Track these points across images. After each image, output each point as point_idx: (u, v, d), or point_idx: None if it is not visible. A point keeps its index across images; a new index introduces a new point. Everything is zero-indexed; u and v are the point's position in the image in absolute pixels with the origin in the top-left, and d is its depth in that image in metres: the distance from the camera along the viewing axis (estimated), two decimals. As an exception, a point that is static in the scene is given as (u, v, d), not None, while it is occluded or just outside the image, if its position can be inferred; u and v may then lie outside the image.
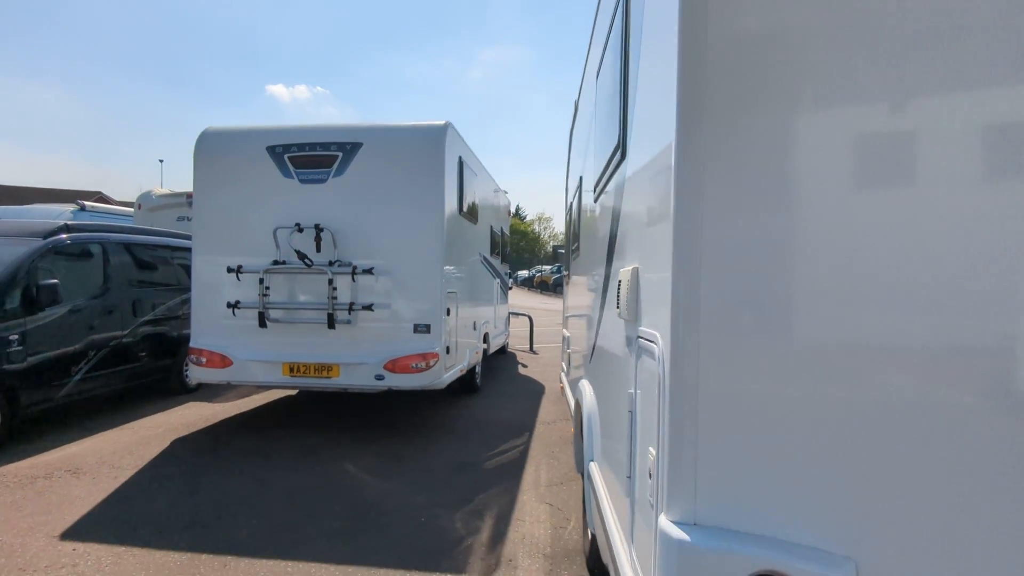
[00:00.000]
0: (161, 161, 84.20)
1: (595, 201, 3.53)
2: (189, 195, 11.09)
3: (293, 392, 8.28)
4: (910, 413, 1.34)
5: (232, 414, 7.15)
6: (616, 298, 2.36)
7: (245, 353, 6.11)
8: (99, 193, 37.95)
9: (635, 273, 2.07)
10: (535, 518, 4.27)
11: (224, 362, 6.13)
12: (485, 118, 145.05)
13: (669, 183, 1.55)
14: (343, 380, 6.01)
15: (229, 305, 6.05)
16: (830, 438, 1.40)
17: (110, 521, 4.13)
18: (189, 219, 10.73)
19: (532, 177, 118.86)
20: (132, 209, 12.67)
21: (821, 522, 1.39)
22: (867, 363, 1.38)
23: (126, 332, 7.11)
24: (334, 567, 3.53)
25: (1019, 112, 1.24)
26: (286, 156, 6.17)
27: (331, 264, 5.98)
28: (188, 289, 8.12)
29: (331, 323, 5.94)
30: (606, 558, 2.55)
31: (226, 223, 6.25)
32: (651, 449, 1.68)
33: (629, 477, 2.02)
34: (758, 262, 1.45)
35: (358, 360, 5.97)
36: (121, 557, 3.62)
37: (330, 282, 5.94)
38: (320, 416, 7.03)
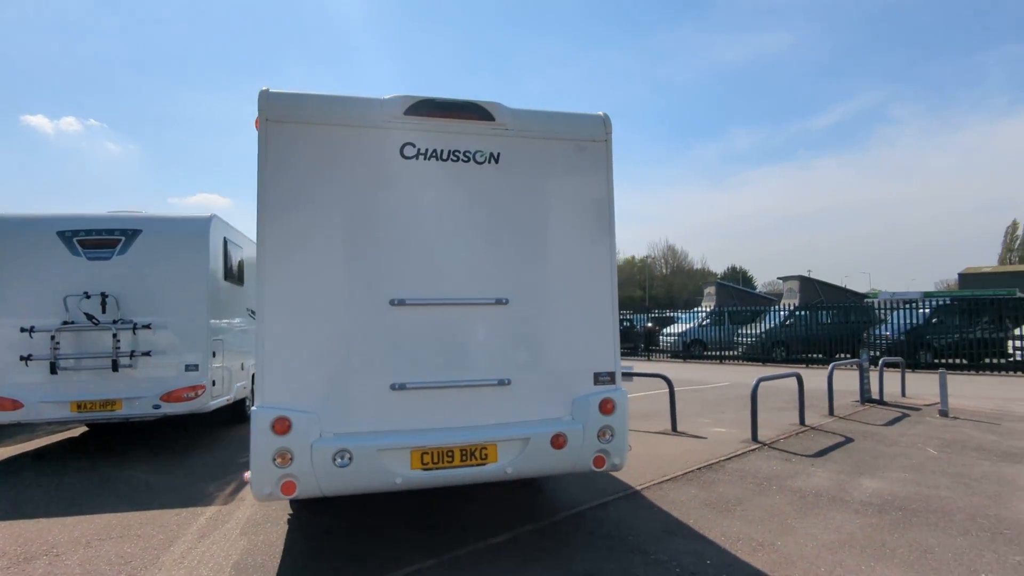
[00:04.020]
0: None
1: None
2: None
3: (77, 434, 9.61)
4: (333, 363, 4.16)
5: (24, 451, 8.45)
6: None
7: (36, 396, 7.65)
8: None
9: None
10: (268, 481, 6.63)
11: (15, 405, 7.61)
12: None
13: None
14: (125, 411, 7.83)
15: (22, 358, 7.58)
16: (308, 371, 4.16)
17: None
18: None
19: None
20: None
21: (305, 400, 4.11)
22: (320, 340, 4.19)
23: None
24: (136, 512, 5.62)
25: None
26: (75, 239, 7.96)
27: (115, 322, 7.83)
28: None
29: (115, 367, 7.77)
30: None
31: (19, 292, 7.80)
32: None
33: None
34: (292, 315, 4.18)
35: (138, 395, 7.85)
36: (-42, 527, 5.33)
37: (114, 336, 7.78)
38: (108, 445, 8.63)
